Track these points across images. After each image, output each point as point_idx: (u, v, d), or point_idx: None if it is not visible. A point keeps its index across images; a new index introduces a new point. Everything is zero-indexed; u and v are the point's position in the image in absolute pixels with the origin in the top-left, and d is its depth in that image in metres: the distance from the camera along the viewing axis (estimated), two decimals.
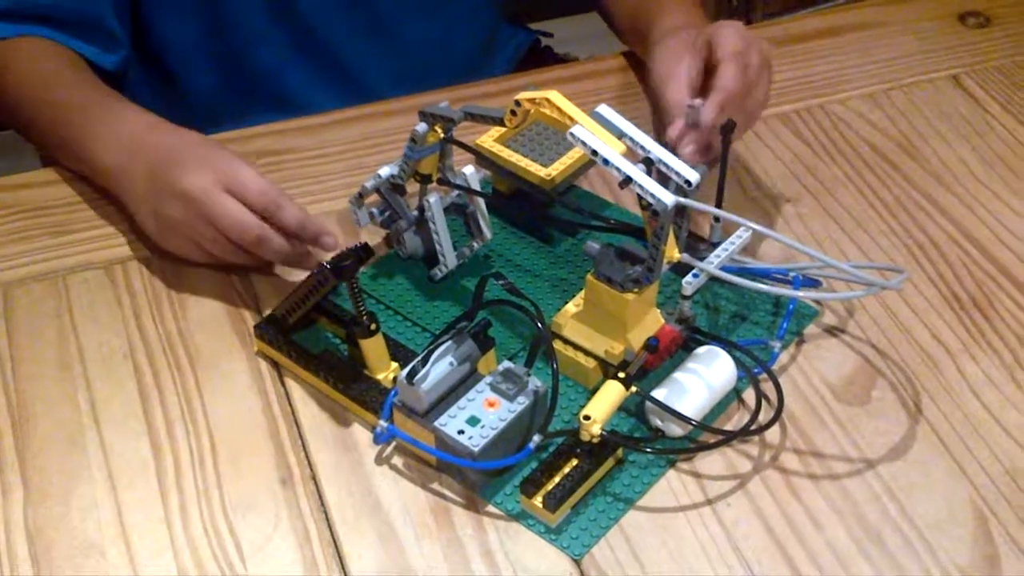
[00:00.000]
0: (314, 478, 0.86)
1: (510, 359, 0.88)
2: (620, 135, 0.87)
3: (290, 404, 0.91)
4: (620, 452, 0.86)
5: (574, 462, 0.84)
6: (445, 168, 0.97)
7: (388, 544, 0.82)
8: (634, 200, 0.84)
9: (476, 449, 0.82)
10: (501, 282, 0.89)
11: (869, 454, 0.87)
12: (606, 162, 0.83)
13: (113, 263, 1.02)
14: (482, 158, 1.00)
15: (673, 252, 0.88)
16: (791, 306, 0.94)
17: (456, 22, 1.29)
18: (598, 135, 0.85)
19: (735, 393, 0.91)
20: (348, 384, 0.89)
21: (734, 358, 0.89)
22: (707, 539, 0.82)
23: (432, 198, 0.95)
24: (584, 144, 0.84)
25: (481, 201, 0.98)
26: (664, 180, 0.84)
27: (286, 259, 0.97)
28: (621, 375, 0.83)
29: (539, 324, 0.86)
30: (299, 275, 1.00)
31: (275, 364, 0.94)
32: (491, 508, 0.84)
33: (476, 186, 0.96)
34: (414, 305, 0.97)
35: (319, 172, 1.10)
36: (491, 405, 0.84)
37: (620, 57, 1.24)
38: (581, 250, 1.01)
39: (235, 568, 0.81)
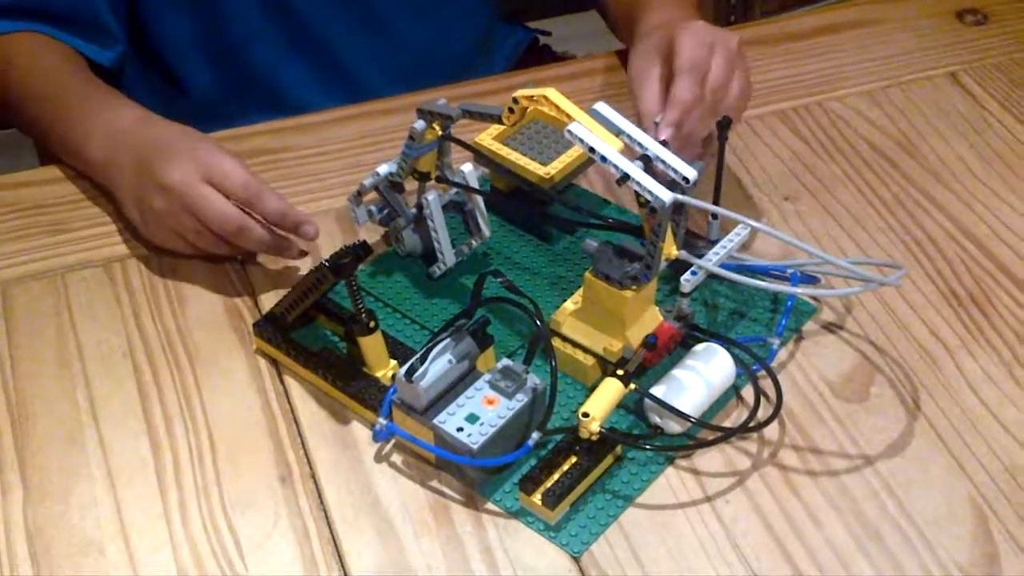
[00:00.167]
0: (313, 476, 0.86)
1: (509, 357, 0.88)
2: (618, 132, 0.87)
3: (289, 402, 0.91)
4: (619, 449, 0.86)
5: (573, 459, 0.84)
6: (443, 166, 0.97)
7: (387, 542, 0.82)
8: (632, 198, 0.84)
9: (475, 446, 0.82)
10: (500, 280, 0.89)
11: (868, 451, 0.87)
12: (604, 159, 0.84)
13: (112, 261, 1.02)
14: (481, 156, 1.00)
15: (671, 249, 0.88)
16: (789, 303, 0.94)
17: (452, 20, 1.29)
18: (596, 132, 0.85)
19: (734, 390, 0.91)
20: (347, 382, 0.89)
21: (733, 355, 0.89)
22: (706, 536, 0.82)
23: (431, 196, 0.95)
24: (582, 141, 0.84)
25: (479, 199, 0.98)
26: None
27: (268, 249, 0.98)
28: (620, 372, 0.83)
29: (538, 322, 0.86)
30: (297, 271, 1.00)
31: (274, 362, 0.94)
32: (490, 505, 0.84)
33: (474, 184, 0.96)
34: (413, 303, 0.97)
35: (317, 170, 1.10)
36: (490, 402, 0.84)
37: (618, 55, 1.24)
38: (579, 248, 1.01)
39: (234, 566, 0.81)
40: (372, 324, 0.87)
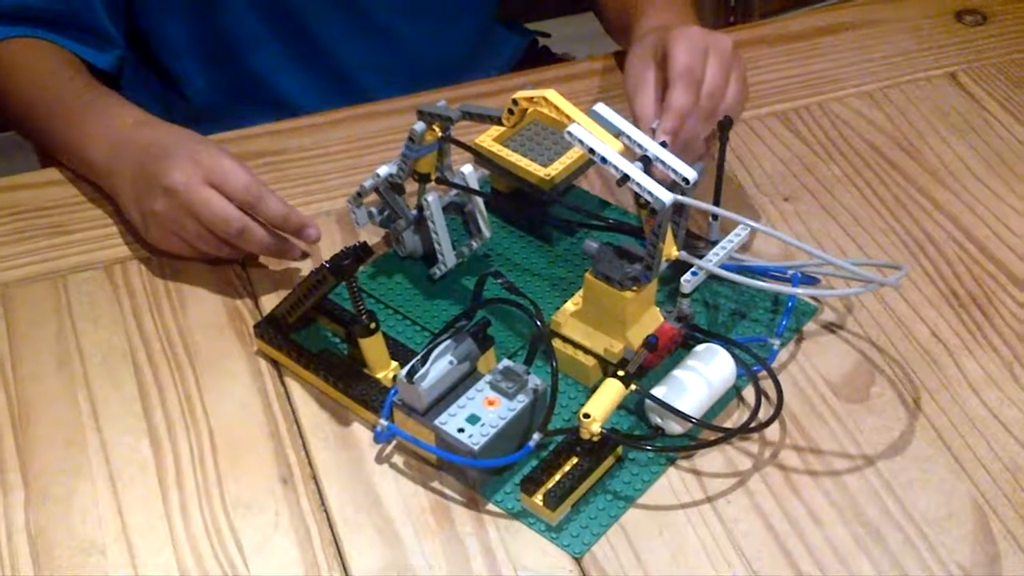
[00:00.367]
0: (314, 477, 0.86)
1: (509, 357, 0.88)
2: (618, 133, 0.87)
3: (290, 403, 0.91)
4: (620, 450, 0.86)
5: (574, 460, 0.84)
6: (444, 167, 0.97)
7: (388, 542, 0.82)
8: (632, 199, 0.84)
9: (476, 447, 0.82)
10: (500, 281, 0.89)
11: (869, 451, 0.87)
12: (604, 160, 0.84)
13: (112, 263, 1.02)
14: (481, 157, 1.00)
15: (671, 250, 0.88)
16: (790, 303, 0.95)
17: (449, 22, 1.29)
18: (595, 133, 0.85)
19: (734, 391, 0.91)
20: (348, 383, 0.89)
21: (733, 356, 0.89)
22: (707, 537, 0.82)
23: (431, 197, 0.95)
24: (581, 142, 0.84)
25: (480, 200, 0.98)
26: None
27: (269, 251, 0.98)
28: (620, 373, 0.83)
29: (538, 323, 0.86)
30: (298, 273, 1.00)
31: (275, 363, 0.94)
32: (491, 506, 0.84)
33: (475, 185, 0.97)
34: (413, 304, 0.97)
35: (317, 172, 1.10)
36: (491, 403, 0.84)
37: (617, 56, 1.24)
38: (580, 249, 1.01)
39: (236, 567, 0.81)
40: (373, 325, 0.87)
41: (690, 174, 0.85)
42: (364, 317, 0.87)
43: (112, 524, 0.83)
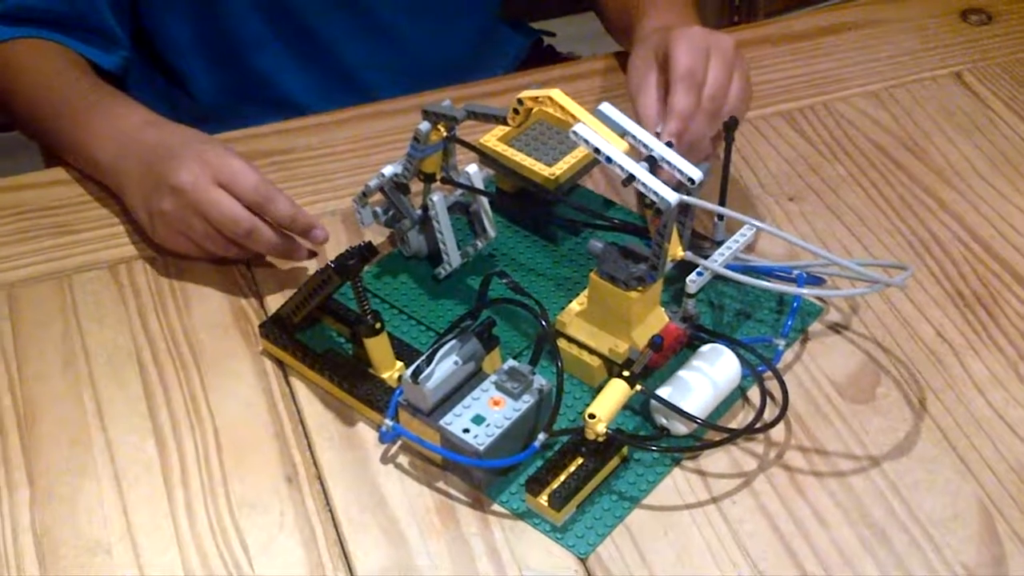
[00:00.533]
0: (319, 477, 0.86)
1: (515, 358, 0.88)
2: (623, 133, 0.87)
3: (295, 403, 0.91)
4: (625, 450, 0.86)
5: (579, 461, 0.84)
6: (449, 167, 0.97)
7: (393, 542, 0.82)
8: (636, 199, 0.84)
9: (481, 448, 0.82)
10: (505, 281, 0.89)
11: (874, 451, 0.87)
12: (609, 160, 0.84)
13: (118, 262, 1.02)
14: (486, 157, 1.00)
15: (677, 250, 0.88)
16: (795, 304, 0.94)
17: (454, 21, 1.29)
18: (601, 133, 0.85)
19: (740, 391, 0.91)
20: (353, 383, 0.89)
21: (739, 356, 0.89)
22: (712, 537, 0.82)
23: (436, 197, 0.95)
24: (586, 142, 0.84)
25: (485, 200, 0.98)
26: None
27: (277, 252, 0.98)
28: (626, 373, 0.83)
29: (543, 322, 0.86)
30: (304, 273, 1.00)
31: (280, 363, 0.94)
32: (496, 507, 0.84)
33: (480, 185, 0.97)
34: (418, 304, 0.97)
35: (322, 171, 1.10)
36: (496, 404, 0.84)
37: (622, 56, 1.24)
38: (585, 249, 1.01)
39: (241, 566, 0.81)
40: (378, 325, 0.87)
41: (696, 174, 0.85)
42: (369, 317, 0.87)
43: (117, 523, 0.83)
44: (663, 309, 0.91)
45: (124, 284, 1.00)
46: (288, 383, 0.92)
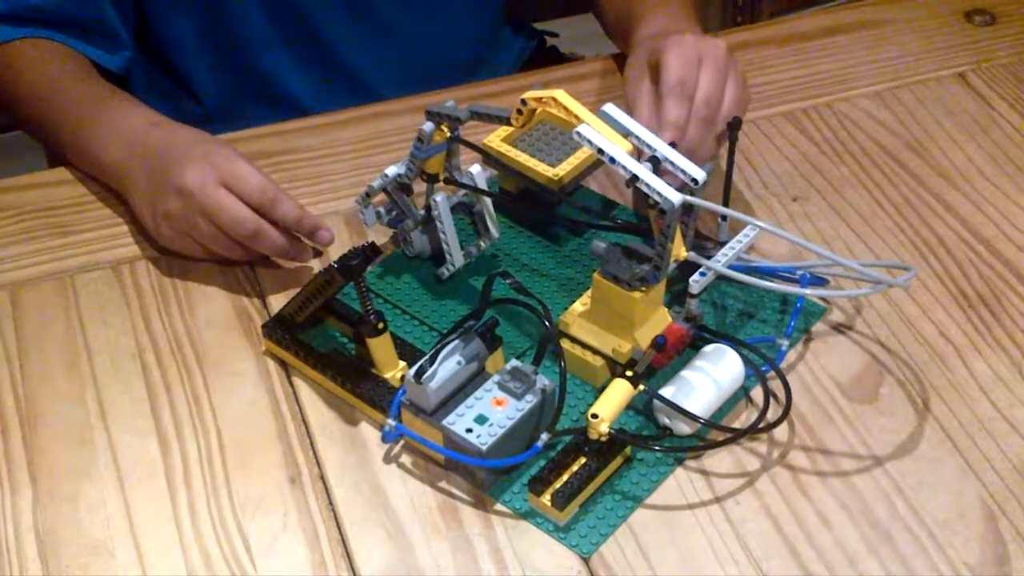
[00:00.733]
0: (322, 477, 0.86)
1: (518, 358, 0.88)
2: (626, 134, 0.87)
3: (298, 403, 0.91)
4: (628, 450, 0.86)
5: (582, 460, 0.84)
6: (452, 167, 0.97)
7: (396, 542, 0.82)
8: (631, 198, 0.84)
9: (484, 447, 0.82)
10: (508, 281, 0.89)
11: (877, 451, 0.87)
12: (612, 161, 0.83)
13: (121, 263, 1.02)
14: (489, 157, 1.00)
15: (680, 251, 0.88)
16: (799, 304, 0.94)
17: (457, 22, 1.29)
18: (604, 134, 0.85)
19: (743, 391, 0.91)
20: (356, 383, 0.89)
21: (742, 356, 0.89)
22: (715, 537, 0.82)
23: (439, 197, 0.95)
24: (590, 143, 0.84)
25: (488, 200, 0.98)
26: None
27: (283, 253, 0.98)
28: (629, 373, 0.83)
29: (546, 323, 0.86)
30: (307, 273, 1.00)
31: (283, 363, 0.94)
32: (499, 506, 0.84)
33: (483, 185, 0.96)
34: (421, 304, 0.97)
35: (325, 172, 1.10)
36: (499, 403, 0.84)
37: (625, 57, 1.24)
38: (588, 249, 1.01)
39: (244, 567, 0.81)
40: (381, 325, 0.87)
41: (699, 175, 0.85)
42: (372, 317, 0.87)
43: (120, 524, 0.83)
44: (666, 309, 0.91)
45: (127, 284, 1.00)
46: (291, 383, 0.92)
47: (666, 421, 0.87)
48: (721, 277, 0.90)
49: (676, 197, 0.82)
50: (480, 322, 0.88)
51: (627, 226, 0.99)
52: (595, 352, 0.90)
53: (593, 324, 0.90)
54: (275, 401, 0.91)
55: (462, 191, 0.98)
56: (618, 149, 0.84)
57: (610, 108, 0.87)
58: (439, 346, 0.85)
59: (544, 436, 0.83)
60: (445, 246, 0.97)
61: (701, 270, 0.89)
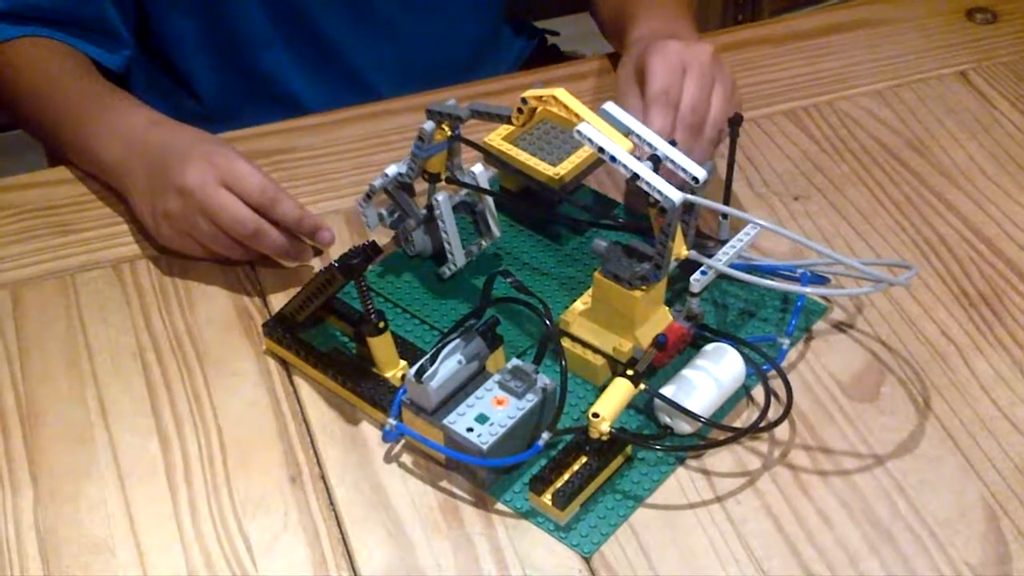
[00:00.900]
0: (323, 476, 0.86)
1: (519, 357, 0.88)
2: (627, 132, 0.87)
3: (299, 402, 0.91)
4: (629, 450, 0.86)
5: (583, 460, 0.84)
6: (453, 166, 0.97)
7: (397, 542, 0.82)
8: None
9: (485, 447, 0.82)
10: (509, 280, 0.89)
11: (878, 450, 0.87)
12: (613, 159, 0.83)
13: (121, 261, 1.02)
14: (490, 156, 1.00)
15: (681, 249, 0.88)
16: (799, 303, 0.94)
17: (458, 21, 1.29)
18: (605, 132, 0.85)
19: (744, 390, 0.91)
20: (357, 382, 0.89)
21: (743, 355, 0.89)
22: (716, 536, 0.82)
23: (440, 196, 0.95)
24: (591, 141, 0.84)
25: (490, 199, 0.98)
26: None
27: (283, 253, 0.98)
28: (630, 372, 0.83)
29: (547, 321, 0.86)
30: (307, 272, 1.00)
31: (283, 362, 0.94)
32: (500, 506, 0.84)
33: (484, 184, 0.96)
34: (422, 303, 0.97)
35: (326, 171, 1.10)
36: (500, 403, 0.84)
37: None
38: (589, 248, 1.01)
39: (244, 566, 0.81)
40: (382, 324, 0.87)
41: (699, 173, 0.84)
42: (373, 316, 0.86)
43: (121, 523, 0.83)
44: (667, 308, 0.91)
45: (127, 283, 1.00)
46: (292, 382, 0.92)
47: (667, 420, 0.87)
48: (722, 276, 0.90)
49: (677, 196, 0.82)
50: (481, 321, 0.88)
51: (628, 225, 0.99)
52: (596, 351, 0.90)
53: (594, 323, 0.90)
54: (276, 400, 0.91)
55: (464, 190, 0.98)
56: (618, 148, 0.84)
57: (610, 106, 0.87)
58: (440, 345, 0.85)
59: (545, 435, 0.83)
60: (447, 245, 0.97)
61: (702, 269, 0.89)
